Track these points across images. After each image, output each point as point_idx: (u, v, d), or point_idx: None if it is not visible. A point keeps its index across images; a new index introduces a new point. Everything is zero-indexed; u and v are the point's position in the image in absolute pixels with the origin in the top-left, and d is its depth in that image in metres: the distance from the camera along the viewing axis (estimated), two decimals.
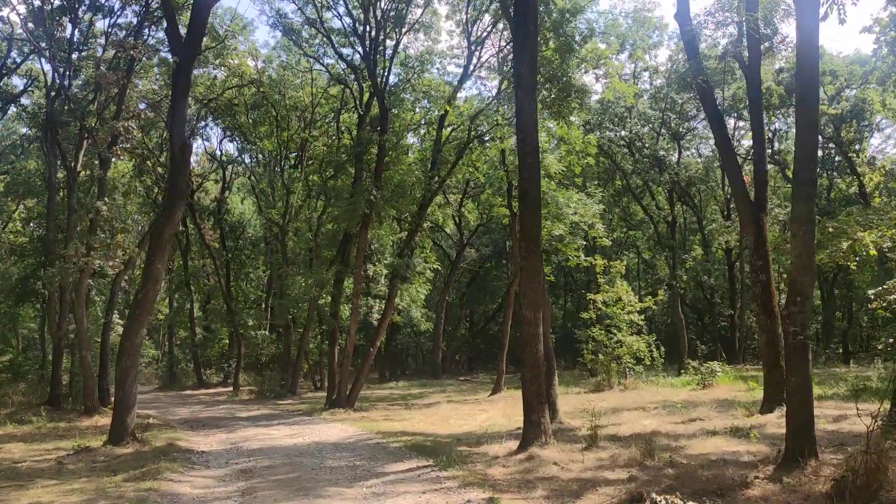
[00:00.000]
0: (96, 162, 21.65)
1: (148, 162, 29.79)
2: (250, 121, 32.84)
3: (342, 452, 12.89)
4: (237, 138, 34.89)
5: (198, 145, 37.94)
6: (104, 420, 20.44)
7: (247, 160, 37.61)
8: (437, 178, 23.85)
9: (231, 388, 33.93)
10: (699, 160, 45.16)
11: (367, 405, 24.66)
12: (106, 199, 20.18)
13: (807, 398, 8.93)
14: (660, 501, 7.23)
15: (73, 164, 23.21)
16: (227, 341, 40.33)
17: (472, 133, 24.70)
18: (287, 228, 31.81)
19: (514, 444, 12.46)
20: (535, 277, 11.38)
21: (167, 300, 44.86)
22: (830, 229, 10.73)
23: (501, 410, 20.21)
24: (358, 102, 26.09)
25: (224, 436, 16.86)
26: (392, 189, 23.36)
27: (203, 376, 39.42)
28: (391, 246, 38.56)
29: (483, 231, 46.95)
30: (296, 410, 23.59)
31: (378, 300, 38.87)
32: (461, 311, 49.26)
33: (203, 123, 37.15)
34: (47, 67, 23.99)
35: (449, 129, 26.00)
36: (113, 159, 21.27)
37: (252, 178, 37.83)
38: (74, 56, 23.04)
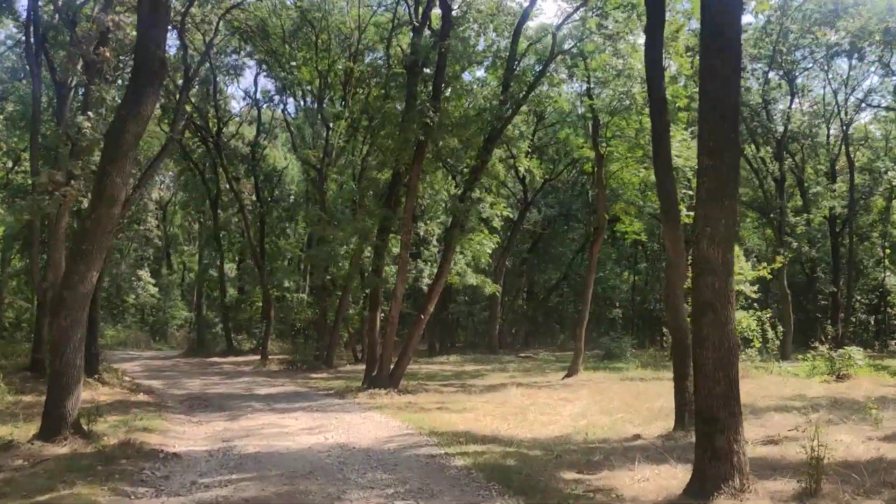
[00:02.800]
0: (79, 68, 17.19)
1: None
2: (287, 46, 28.10)
3: (376, 472, 8.14)
4: (271, 68, 30.13)
5: (226, 79, 33.35)
6: (84, 394, 16.27)
7: (279, 96, 32.70)
8: (509, 104, 18.75)
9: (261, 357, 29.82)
10: (802, 112, 38.80)
11: (415, 384, 20.06)
12: (91, 113, 15.73)
13: None
14: None
15: (63, 79, 18.87)
16: (261, 304, 36.17)
17: (556, 48, 19.50)
18: (326, 174, 27.12)
19: (656, 474, 7.56)
20: (726, 191, 6.32)
21: (197, 256, 40.99)
22: None
23: (592, 401, 15.29)
24: (412, 13, 21.07)
25: (222, 425, 12.38)
26: (453, 120, 18.48)
27: (234, 342, 35.37)
28: (445, 204, 33.75)
29: (548, 189, 41.73)
30: (327, 389, 19.09)
31: (429, 264, 34.21)
32: (520, 280, 44.15)
33: (235, 57, 32.72)
34: None
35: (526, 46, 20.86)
36: (102, 66, 16.75)
37: (285, 112, 33.04)
38: None
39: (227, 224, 36.80)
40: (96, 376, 17.59)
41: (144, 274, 47.44)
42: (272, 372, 25.55)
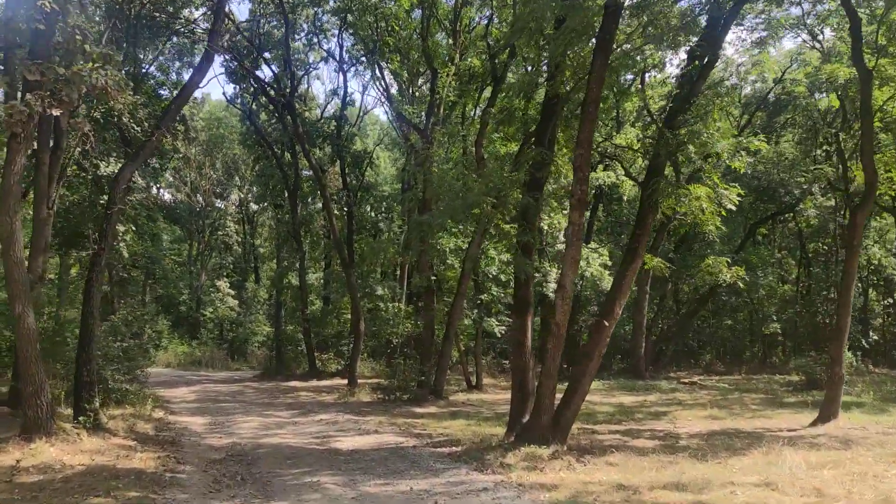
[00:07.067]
0: None
1: None
2: None
3: None
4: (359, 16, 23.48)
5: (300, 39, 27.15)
6: (51, 452, 9.64)
7: (368, 55, 25.72)
8: None
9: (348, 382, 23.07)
10: None
11: (579, 432, 12.59)
12: None
13: None
14: None
15: None
16: (350, 316, 29.50)
17: None
18: (431, 136, 20.09)
19: None
20: None
21: (275, 258, 34.82)
22: None
23: None
24: None
25: None
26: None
27: (317, 362, 28.75)
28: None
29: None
30: (447, 440, 11.80)
31: (556, 265, 26.76)
32: (665, 287, 35.68)
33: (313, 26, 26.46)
34: None
35: None
36: None
37: (377, 66, 25.95)
38: None
39: (308, 220, 30.45)
40: (83, 419, 10.99)
41: (223, 284, 41.87)
42: (362, 404, 18.62)
